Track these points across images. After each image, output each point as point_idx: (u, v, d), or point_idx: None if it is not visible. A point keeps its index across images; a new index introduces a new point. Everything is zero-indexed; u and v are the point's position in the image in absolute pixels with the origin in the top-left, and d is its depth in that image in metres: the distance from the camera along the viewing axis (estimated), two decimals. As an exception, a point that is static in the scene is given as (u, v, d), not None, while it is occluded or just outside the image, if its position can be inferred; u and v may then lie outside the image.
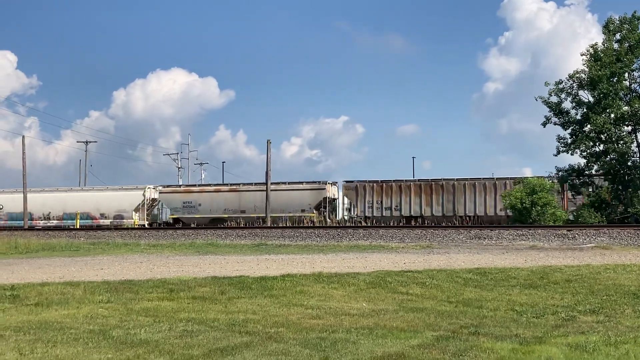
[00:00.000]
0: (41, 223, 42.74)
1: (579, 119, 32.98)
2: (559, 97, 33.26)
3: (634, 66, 32.66)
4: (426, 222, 35.50)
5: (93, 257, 18.97)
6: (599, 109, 31.69)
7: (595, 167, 33.02)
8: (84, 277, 12.64)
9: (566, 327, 7.79)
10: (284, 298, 9.99)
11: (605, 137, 32.00)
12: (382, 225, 32.92)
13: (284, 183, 41.19)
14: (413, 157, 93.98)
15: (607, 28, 33.19)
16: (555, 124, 33.58)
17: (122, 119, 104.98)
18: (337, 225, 35.15)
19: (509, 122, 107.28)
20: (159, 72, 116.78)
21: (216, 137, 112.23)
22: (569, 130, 33.20)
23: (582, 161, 33.05)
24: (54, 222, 42.66)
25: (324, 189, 39.56)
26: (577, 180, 33.35)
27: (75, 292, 10.48)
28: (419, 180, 38.51)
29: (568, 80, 33.20)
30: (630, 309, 9.02)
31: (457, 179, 37.26)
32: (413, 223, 35.19)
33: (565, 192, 33.44)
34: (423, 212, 36.96)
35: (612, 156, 32.03)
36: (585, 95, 33.07)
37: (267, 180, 39.99)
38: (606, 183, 33.11)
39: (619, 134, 32.11)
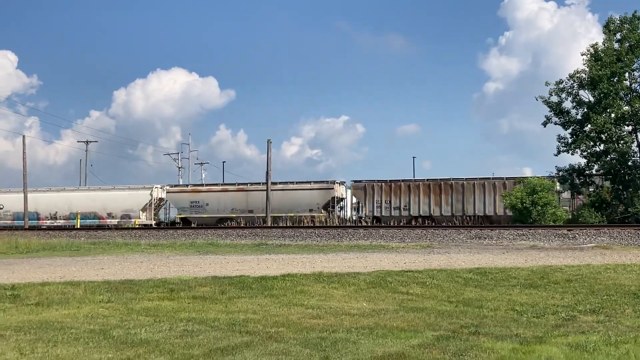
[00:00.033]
0: (48, 222, 42.76)
1: (579, 118, 33.00)
2: (560, 96, 33.29)
3: (634, 66, 32.71)
4: (435, 222, 35.27)
5: (93, 256, 19.00)
6: (600, 108, 31.71)
7: (596, 167, 33.06)
8: (84, 277, 12.67)
9: (566, 327, 7.79)
10: (285, 298, 10.00)
11: (606, 137, 32.02)
12: (389, 225, 32.78)
13: (292, 183, 40.91)
14: (413, 157, 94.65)
15: (608, 28, 33.21)
16: (555, 123, 33.61)
17: (122, 118, 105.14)
18: (338, 225, 35.08)
19: (509, 122, 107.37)
20: (160, 72, 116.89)
21: (216, 137, 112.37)
22: (570, 130, 33.23)
23: (583, 161, 33.11)
24: (61, 222, 42.65)
25: (332, 188, 39.26)
26: (578, 180, 33.36)
27: (75, 291, 10.49)
28: (427, 179, 37.91)
29: (568, 80, 33.24)
30: (630, 309, 9.01)
31: (466, 178, 36.86)
32: (420, 223, 35.01)
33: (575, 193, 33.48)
34: (432, 212, 36.67)
35: (612, 156, 32.04)
36: (586, 95, 33.14)
37: (267, 180, 39.98)
38: (607, 183, 33.12)
39: (620, 133, 32.14)
